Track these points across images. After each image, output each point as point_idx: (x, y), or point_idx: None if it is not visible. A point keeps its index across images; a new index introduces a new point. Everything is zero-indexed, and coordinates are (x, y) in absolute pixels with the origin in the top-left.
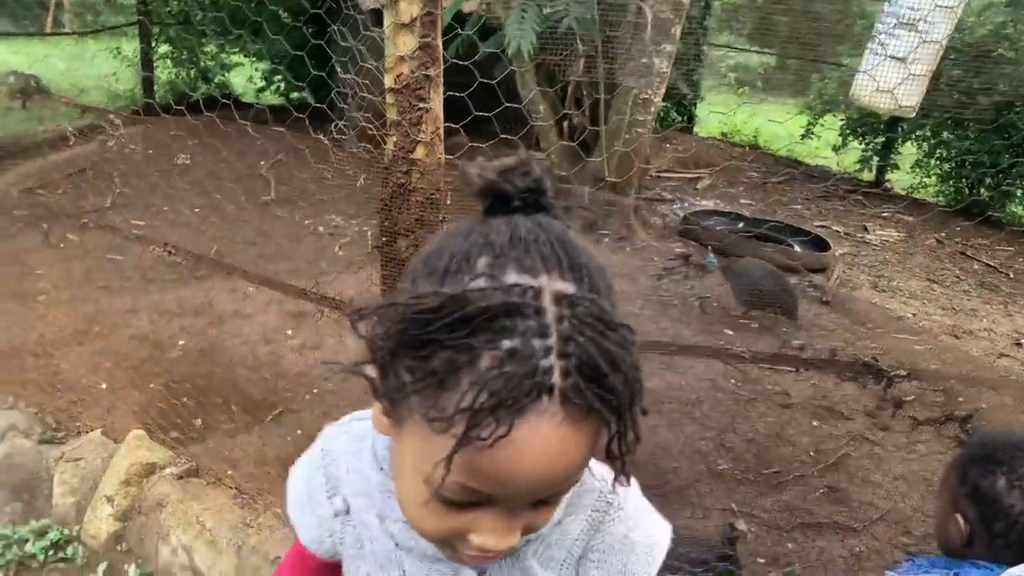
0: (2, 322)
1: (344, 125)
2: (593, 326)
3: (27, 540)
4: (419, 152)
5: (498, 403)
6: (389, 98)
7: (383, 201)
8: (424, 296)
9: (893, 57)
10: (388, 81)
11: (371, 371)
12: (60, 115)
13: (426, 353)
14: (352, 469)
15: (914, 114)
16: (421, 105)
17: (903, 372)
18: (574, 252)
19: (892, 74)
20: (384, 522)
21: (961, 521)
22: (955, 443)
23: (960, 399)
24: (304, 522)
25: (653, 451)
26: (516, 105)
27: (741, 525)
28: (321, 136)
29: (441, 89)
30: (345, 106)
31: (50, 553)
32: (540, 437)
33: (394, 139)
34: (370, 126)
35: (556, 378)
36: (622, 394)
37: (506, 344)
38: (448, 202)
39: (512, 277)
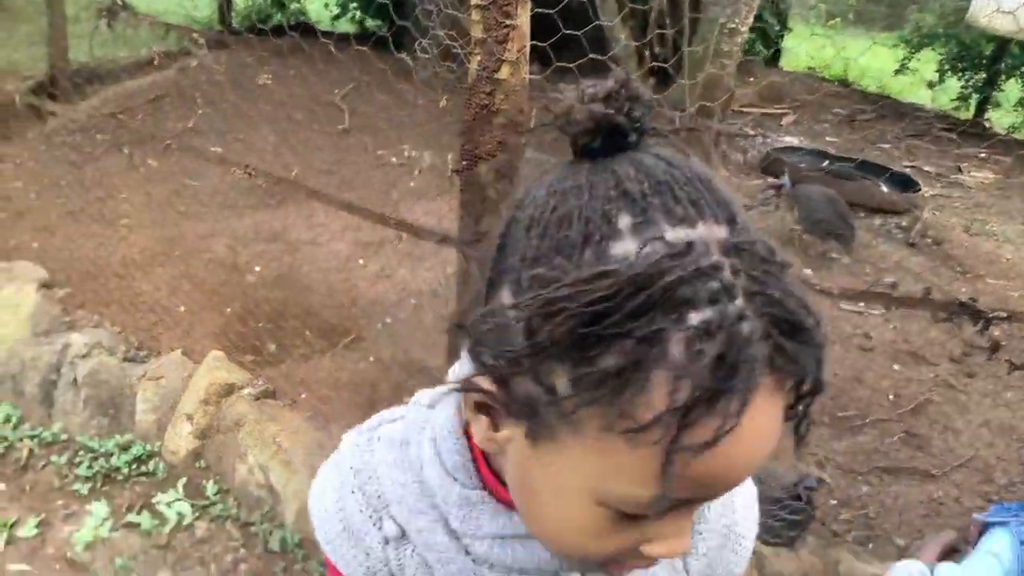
0: (87, 244)
1: (428, 43)
2: (769, 271)
3: (112, 454)
4: (504, 72)
5: (713, 393)
6: (474, 15)
7: (465, 123)
8: (588, 281)
9: None
10: None
11: (486, 383)
12: (143, 37)
13: (596, 352)
14: (402, 483)
15: None
16: (507, 22)
17: (1003, 314)
18: (715, 188)
19: None
20: (462, 539)
21: None
22: None
23: None
24: (347, 558)
25: None
26: (600, 23)
27: (826, 477)
28: (404, 55)
29: (528, 6)
30: (429, 23)
31: (133, 467)
32: (757, 419)
33: (478, 58)
34: (454, 44)
35: (760, 345)
36: (821, 342)
37: (695, 318)
38: (532, 125)
39: (668, 233)
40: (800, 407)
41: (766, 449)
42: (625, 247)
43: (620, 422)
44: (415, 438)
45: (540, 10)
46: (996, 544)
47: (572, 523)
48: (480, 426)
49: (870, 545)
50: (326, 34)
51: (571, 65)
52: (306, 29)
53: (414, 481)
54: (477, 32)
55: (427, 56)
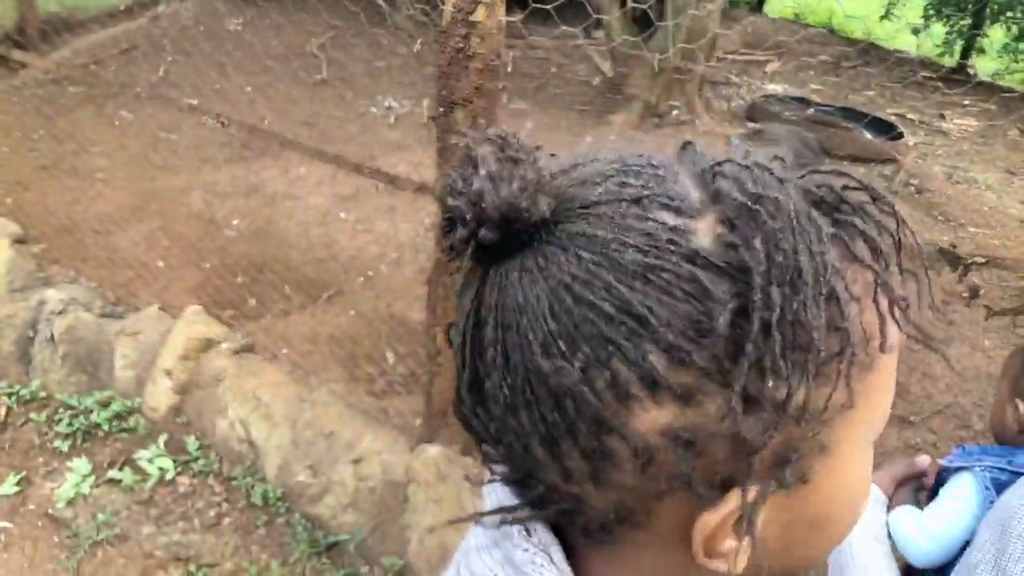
0: (62, 198)
1: None
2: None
3: (92, 410)
4: (479, 14)
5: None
6: None
7: (440, 68)
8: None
9: None
10: None
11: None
12: None
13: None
14: None
15: None
16: None
17: (980, 259)
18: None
19: None
20: None
21: (1021, 407)
22: None
23: None
24: None
25: None
26: None
27: None
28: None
29: None
30: None
31: (113, 423)
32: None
33: (452, 0)
34: None
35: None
36: None
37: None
38: (509, 69)
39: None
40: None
41: None
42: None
43: (867, 352)
44: None
45: None
46: (961, 489)
47: (856, 498)
48: (731, 556)
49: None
50: None
51: (548, 7)
52: None
53: None
54: None
55: None
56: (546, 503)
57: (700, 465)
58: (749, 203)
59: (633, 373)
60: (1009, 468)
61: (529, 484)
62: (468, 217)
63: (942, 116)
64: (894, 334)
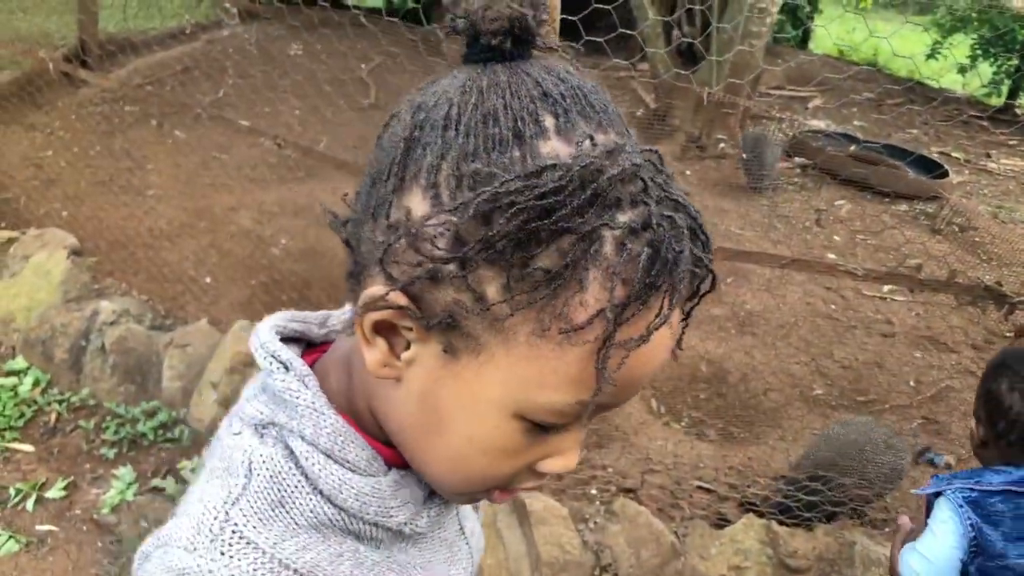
0: (116, 213)
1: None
2: (669, 178)
3: (138, 419)
4: None
5: (643, 290)
6: None
7: None
8: (537, 175)
9: None
10: None
11: (400, 299)
12: (175, 7)
13: (534, 252)
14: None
15: None
16: None
17: None
18: (609, 101)
19: None
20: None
21: (974, 423)
22: None
23: None
24: None
25: (745, 372)
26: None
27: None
28: (436, 26)
29: None
30: None
31: (159, 433)
32: (673, 316)
33: None
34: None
35: (685, 243)
36: (711, 246)
37: (621, 219)
38: None
39: (596, 136)
40: (694, 305)
41: (672, 347)
42: (553, 146)
43: (555, 323)
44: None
45: None
46: (941, 512)
47: (482, 442)
48: (377, 352)
49: (886, 528)
50: (356, 7)
51: (600, 39)
52: (337, 1)
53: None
54: None
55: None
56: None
57: (407, 258)
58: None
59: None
60: (977, 488)
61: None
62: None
63: (988, 155)
64: (581, 348)
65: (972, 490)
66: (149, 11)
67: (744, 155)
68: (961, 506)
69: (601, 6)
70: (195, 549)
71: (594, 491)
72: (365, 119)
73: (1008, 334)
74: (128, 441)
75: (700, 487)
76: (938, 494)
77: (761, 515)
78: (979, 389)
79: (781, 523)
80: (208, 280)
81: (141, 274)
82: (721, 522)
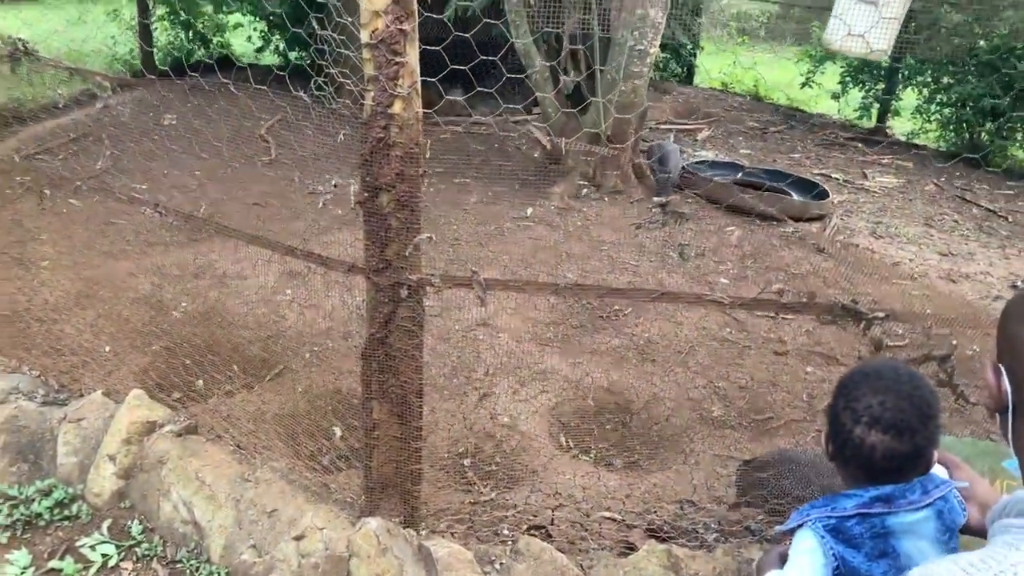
0: (6, 287)
1: (324, 82)
2: None
3: (33, 499)
4: (397, 107)
5: None
6: (366, 53)
7: (363, 157)
8: None
9: (864, 1)
10: (364, 36)
11: None
12: (53, 79)
13: None
14: None
15: (886, 57)
16: (397, 59)
17: (881, 314)
18: None
19: (864, 18)
20: None
21: (823, 436)
22: (936, 383)
23: (954, 342)
24: None
25: (647, 399)
26: (491, 58)
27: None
28: (302, 94)
29: (417, 43)
30: (324, 63)
31: (55, 512)
32: None
33: (372, 94)
34: (348, 82)
35: None
36: None
37: None
38: (427, 156)
39: None
40: None
41: None
42: None
43: None
44: None
45: (426, 48)
46: (803, 542)
47: None
48: None
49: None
50: (250, 67)
51: (491, 90)
52: (229, 63)
53: None
54: (369, 70)
55: (324, 94)
56: None
57: None
58: None
59: None
60: (833, 515)
61: None
62: None
63: (864, 175)
64: None
65: (830, 517)
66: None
67: (650, 163)
68: (823, 536)
69: (489, 57)
70: None
71: (505, 531)
72: (266, 175)
73: (870, 350)
74: (22, 523)
75: (607, 518)
76: (800, 525)
77: (663, 540)
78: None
79: (683, 546)
80: (107, 350)
81: (34, 350)
82: (628, 550)
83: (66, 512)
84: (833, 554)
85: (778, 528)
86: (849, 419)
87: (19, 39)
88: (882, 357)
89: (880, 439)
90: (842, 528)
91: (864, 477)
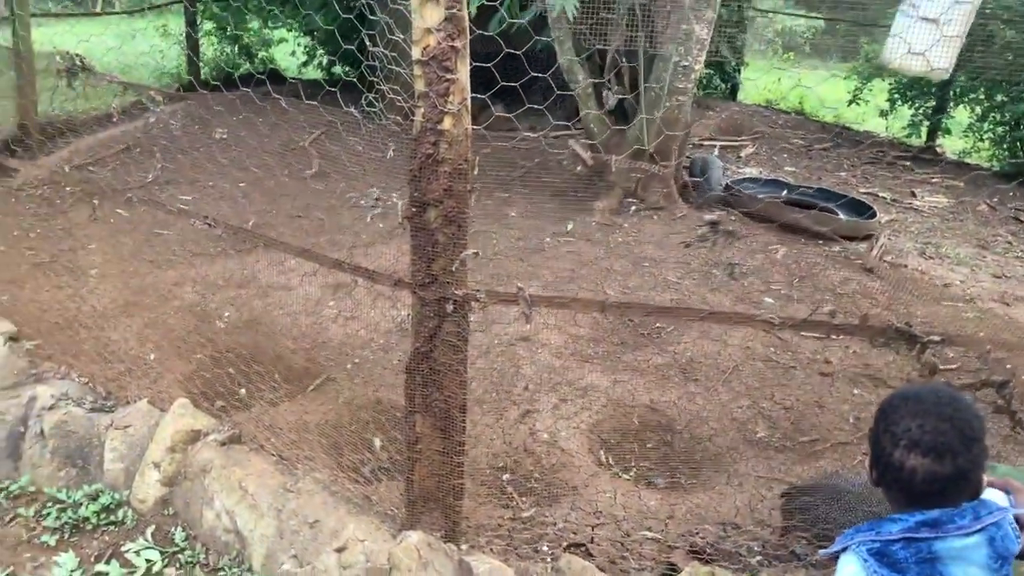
0: (57, 295)
1: (374, 98)
2: None
3: (80, 504)
4: (446, 123)
5: None
6: (416, 70)
7: (412, 172)
8: None
9: (925, 19)
10: (415, 53)
11: None
12: (105, 93)
13: None
14: None
15: (947, 76)
16: (448, 76)
17: (936, 337)
18: None
19: (924, 36)
20: None
21: (867, 461)
22: (993, 409)
23: (1008, 366)
24: None
25: (690, 419)
26: (539, 75)
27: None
28: (352, 109)
29: (468, 60)
30: (374, 79)
31: (102, 516)
32: None
33: (422, 110)
34: (399, 98)
35: None
36: None
37: None
38: (476, 172)
39: None
40: None
41: None
42: None
43: None
44: None
45: (478, 64)
46: (848, 567)
47: None
48: None
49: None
50: (294, 80)
51: (541, 107)
52: (274, 77)
53: None
54: (420, 86)
55: (374, 110)
56: None
57: None
58: None
59: None
60: (878, 539)
61: None
62: None
63: (913, 194)
64: None
65: (874, 541)
66: (77, 99)
67: (693, 176)
68: (866, 560)
69: (537, 74)
70: None
71: (545, 548)
72: (309, 188)
73: (923, 375)
74: (70, 526)
75: (649, 537)
76: (844, 549)
77: (706, 562)
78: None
79: (726, 568)
80: (152, 358)
81: (82, 356)
82: (669, 572)
83: (112, 517)
84: None
85: (822, 552)
86: (889, 443)
87: (77, 55)
88: (930, 381)
89: (920, 462)
90: (887, 552)
91: (908, 501)
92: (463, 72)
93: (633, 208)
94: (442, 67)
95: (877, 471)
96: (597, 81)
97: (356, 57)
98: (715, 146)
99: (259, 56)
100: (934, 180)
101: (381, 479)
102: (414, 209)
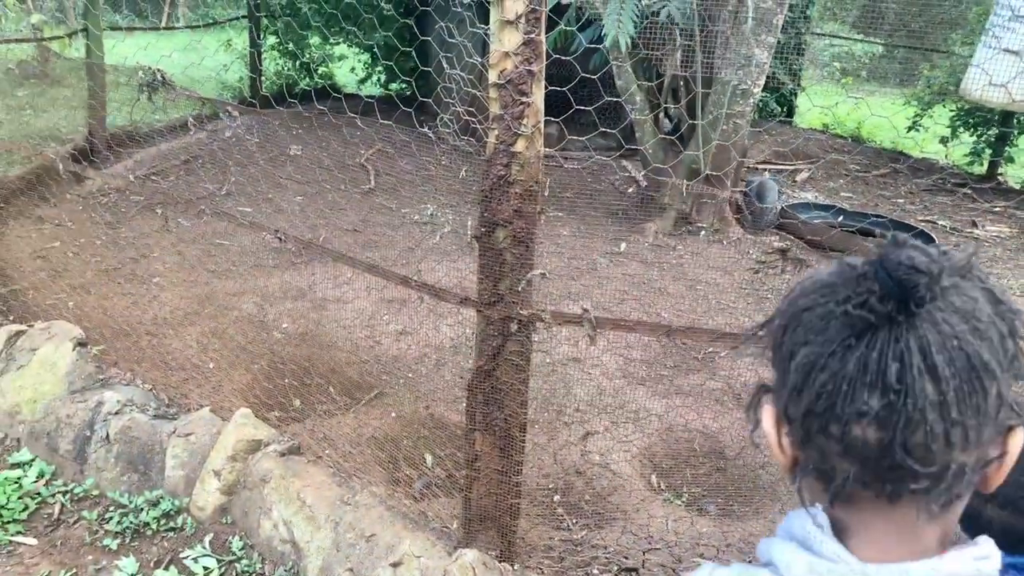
0: (122, 302)
1: (448, 119)
2: None
3: (142, 509)
4: (519, 145)
5: None
6: (492, 92)
7: (483, 192)
8: None
9: (1007, 51)
10: (492, 76)
11: None
12: (181, 106)
13: None
14: None
15: None
16: (523, 99)
17: None
18: None
19: (1006, 68)
20: None
21: None
22: None
23: None
24: None
25: (743, 445)
26: (614, 99)
27: None
28: (427, 130)
29: (543, 84)
30: (449, 100)
31: (161, 522)
32: None
33: (496, 132)
34: (472, 119)
35: None
36: None
37: None
38: (546, 193)
39: None
40: None
41: None
42: None
43: None
44: None
45: (552, 88)
46: None
47: None
48: None
49: None
50: (352, 96)
51: (582, 138)
52: (335, 93)
53: None
54: (495, 108)
55: (448, 131)
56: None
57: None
58: None
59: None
60: None
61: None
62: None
63: (974, 223)
64: None
65: None
66: (154, 111)
67: (751, 200)
68: None
69: (582, 108)
70: None
71: (595, 572)
72: (363, 204)
73: None
74: (131, 531)
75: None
76: None
77: None
78: None
79: None
80: (211, 366)
81: (145, 362)
82: None
83: (171, 523)
84: None
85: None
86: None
87: (158, 70)
88: None
89: (998, 514)
90: None
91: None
92: (538, 95)
93: (687, 230)
94: (518, 90)
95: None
96: (655, 103)
97: (420, 77)
98: (770, 170)
99: (319, 72)
100: (996, 209)
101: (437, 494)
102: (483, 229)
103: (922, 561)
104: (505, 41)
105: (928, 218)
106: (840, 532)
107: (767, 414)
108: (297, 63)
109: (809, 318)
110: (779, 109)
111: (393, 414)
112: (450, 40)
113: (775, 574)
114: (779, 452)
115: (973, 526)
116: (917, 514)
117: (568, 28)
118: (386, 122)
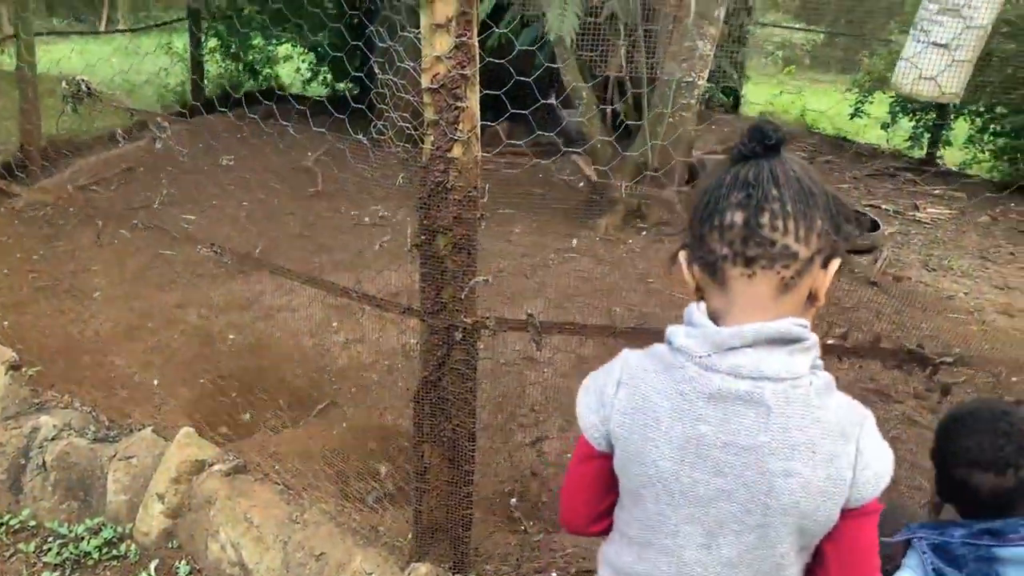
0: (59, 320)
1: (383, 125)
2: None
3: (82, 538)
4: (456, 151)
5: None
6: (426, 97)
7: (421, 199)
8: None
9: (936, 44)
10: (425, 81)
11: None
12: (110, 115)
13: None
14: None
15: (958, 100)
16: (458, 104)
17: (949, 359)
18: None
19: (935, 61)
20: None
21: (933, 480)
22: None
23: (1013, 379)
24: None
25: None
26: (550, 102)
27: None
28: (361, 136)
29: (477, 88)
30: (383, 106)
31: (104, 551)
32: None
33: (431, 138)
34: (408, 125)
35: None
36: None
37: None
38: (485, 199)
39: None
40: None
41: None
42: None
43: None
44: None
45: (486, 91)
46: (909, 560)
47: None
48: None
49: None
50: (297, 98)
51: (521, 143)
52: (275, 97)
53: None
54: (429, 114)
55: (383, 137)
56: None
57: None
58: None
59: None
60: (941, 537)
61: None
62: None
63: (915, 206)
64: None
65: (936, 538)
66: (82, 122)
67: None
68: (924, 552)
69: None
70: None
71: (554, 575)
72: (311, 207)
73: (936, 394)
74: (71, 562)
75: None
76: (908, 542)
77: None
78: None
79: None
80: (155, 383)
81: (85, 383)
82: None
83: (114, 551)
84: (934, 569)
85: (883, 539)
86: (952, 461)
87: (83, 80)
88: (976, 399)
89: (984, 478)
90: (947, 547)
91: (975, 513)
92: (473, 100)
93: (637, 225)
94: (452, 95)
95: (943, 488)
96: (599, 96)
97: (369, 85)
98: (717, 161)
99: (263, 73)
100: (936, 192)
101: (387, 507)
102: (423, 237)
103: (756, 323)
104: (436, 45)
105: (872, 203)
106: (715, 319)
107: (682, 257)
108: (240, 65)
109: (708, 183)
110: (725, 99)
111: (344, 425)
112: (383, 45)
113: (669, 346)
114: (689, 278)
115: (963, 494)
116: (768, 289)
117: (503, 31)
118: (320, 130)
